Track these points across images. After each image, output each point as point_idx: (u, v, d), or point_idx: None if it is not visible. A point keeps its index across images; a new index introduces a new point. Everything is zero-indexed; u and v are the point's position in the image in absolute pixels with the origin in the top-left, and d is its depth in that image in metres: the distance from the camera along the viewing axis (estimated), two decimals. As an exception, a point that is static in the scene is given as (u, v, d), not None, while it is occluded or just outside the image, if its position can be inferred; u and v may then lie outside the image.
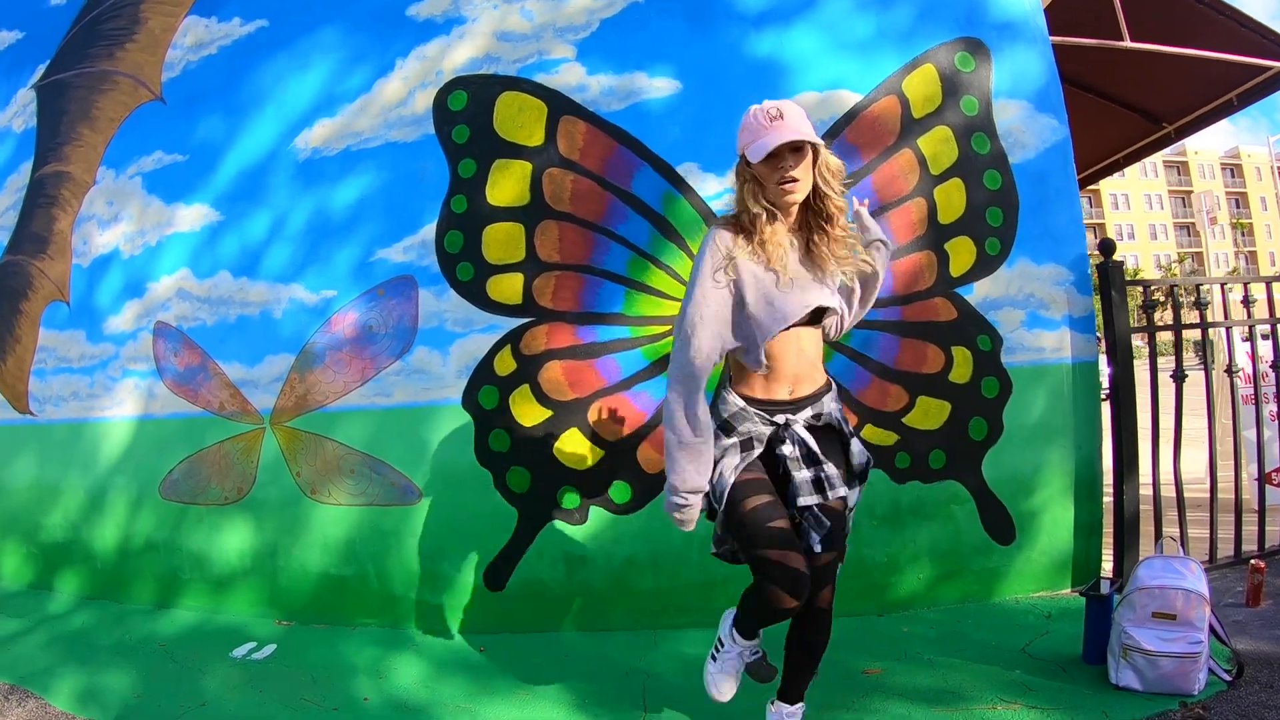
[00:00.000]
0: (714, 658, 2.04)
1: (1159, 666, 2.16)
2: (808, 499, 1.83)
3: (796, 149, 1.78)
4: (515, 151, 3.13)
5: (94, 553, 3.44)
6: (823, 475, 1.85)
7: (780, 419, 1.88)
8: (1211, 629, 2.21)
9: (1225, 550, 3.18)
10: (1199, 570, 2.23)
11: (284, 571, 3.20)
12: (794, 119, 1.78)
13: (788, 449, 1.85)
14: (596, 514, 3.06)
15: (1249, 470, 3.57)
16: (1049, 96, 3.14)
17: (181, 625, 3.25)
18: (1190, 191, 53.32)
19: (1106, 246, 2.95)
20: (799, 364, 1.90)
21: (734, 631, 2.02)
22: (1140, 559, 2.53)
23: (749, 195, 1.85)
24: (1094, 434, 3.09)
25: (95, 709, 2.58)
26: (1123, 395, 2.95)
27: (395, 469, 3.12)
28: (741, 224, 1.88)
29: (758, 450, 1.88)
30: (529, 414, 3.08)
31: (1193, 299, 3.10)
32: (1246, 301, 3.20)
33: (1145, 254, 55.79)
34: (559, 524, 3.06)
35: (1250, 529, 3.23)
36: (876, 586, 3.04)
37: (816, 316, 1.91)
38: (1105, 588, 2.43)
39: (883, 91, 3.10)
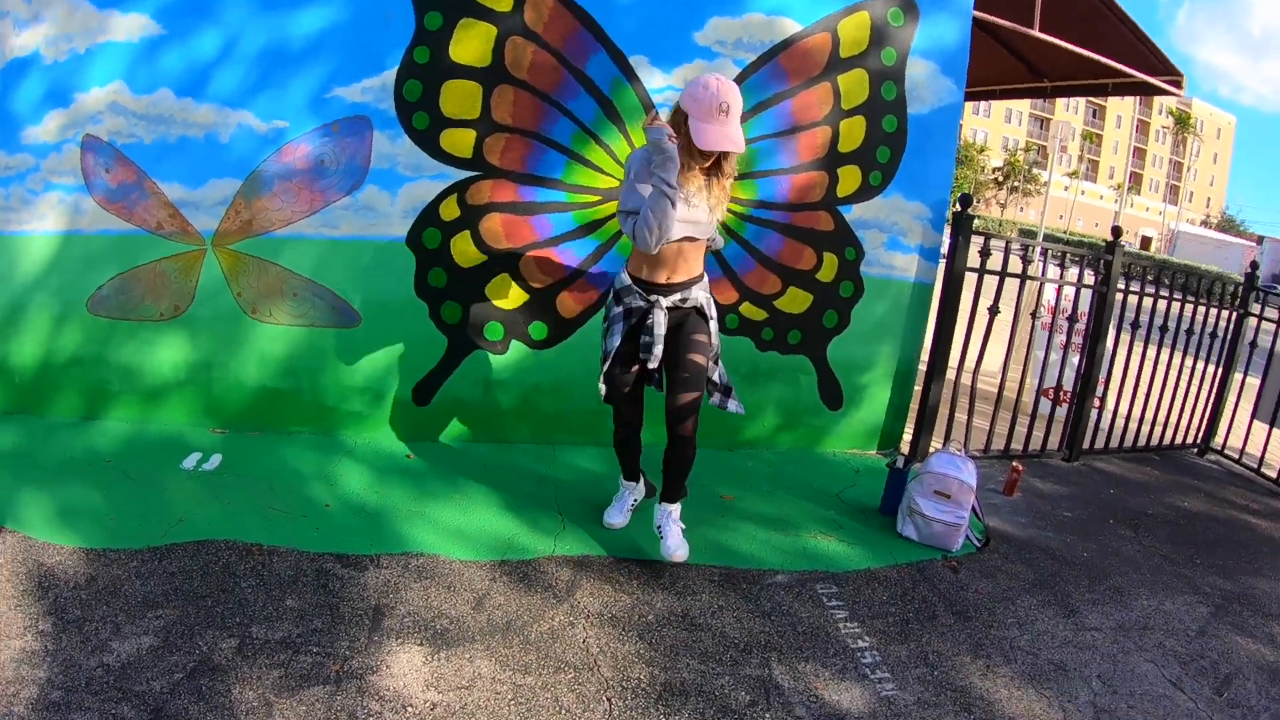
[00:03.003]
0: (613, 504, 3.14)
1: (932, 527, 3.19)
2: (651, 361, 2.73)
3: None
4: (483, 13, 3.39)
5: (10, 368, 3.46)
6: (654, 351, 2.72)
7: (654, 298, 2.71)
8: (973, 509, 3.25)
9: (999, 444, 4.33)
10: (973, 468, 3.25)
11: (220, 383, 3.54)
12: (735, 112, 2.50)
13: (651, 319, 2.71)
14: (516, 347, 3.71)
15: (1031, 381, 4.78)
16: (956, 64, 3.83)
17: (116, 436, 3.39)
18: (1050, 118, 57.11)
19: (965, 200, 3.80)
20: (676, 261, 2.70)
21: (621, 480, 3.12)
22: (935, 450, 3.57)
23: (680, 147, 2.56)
24: (918, 339, 4.11)
25: (78, 536, 2.61)
26: (946, 316, 3.93)
27: (337, 294, 3.52)
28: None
29: (633, 321, 2.76)
30: (467, 256, 3.58)
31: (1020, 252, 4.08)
32: (1062, 263, 4.30)
33: (995, 134, 59.67)
34: (482, 352, 3.68)
35: (1021, 430, 4.42)
36: (731, 428, 3.96)
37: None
38: (902, 463, 3.46)
39: (820, 27, 3.65)
